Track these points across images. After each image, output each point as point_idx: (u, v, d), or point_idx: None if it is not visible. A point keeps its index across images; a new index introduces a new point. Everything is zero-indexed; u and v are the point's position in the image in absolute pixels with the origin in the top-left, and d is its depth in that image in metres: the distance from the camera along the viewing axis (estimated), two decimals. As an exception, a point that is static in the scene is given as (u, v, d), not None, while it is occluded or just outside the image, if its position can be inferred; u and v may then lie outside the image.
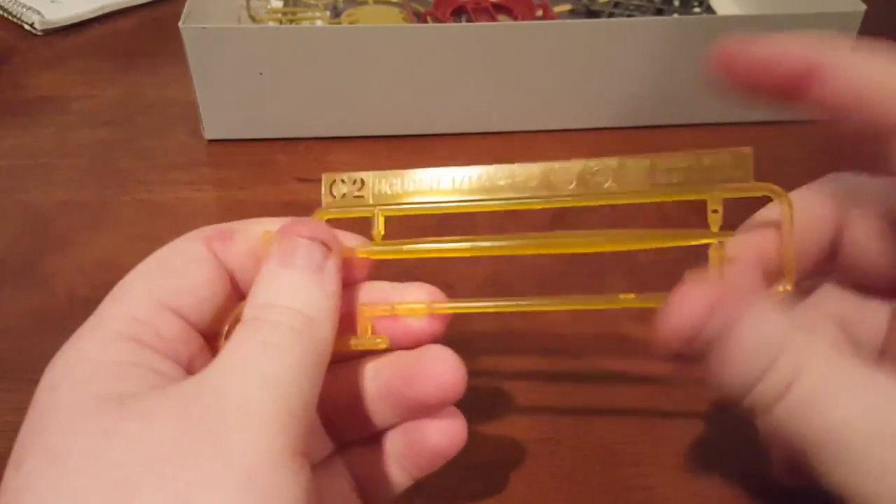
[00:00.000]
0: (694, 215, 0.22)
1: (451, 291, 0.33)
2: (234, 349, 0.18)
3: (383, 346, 0.22)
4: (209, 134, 0.42)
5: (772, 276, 0.22)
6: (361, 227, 0.22)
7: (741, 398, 0.20)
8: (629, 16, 0.50)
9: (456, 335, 0.31)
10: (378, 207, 0.22)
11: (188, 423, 0.17)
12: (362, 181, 0.22)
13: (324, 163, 0.41)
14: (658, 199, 0.21)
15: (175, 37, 0.38)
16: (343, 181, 0.22)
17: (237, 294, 0.22)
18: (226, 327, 0.22)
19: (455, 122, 0.43)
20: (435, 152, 0.42)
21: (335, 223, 0.22)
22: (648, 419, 0.29)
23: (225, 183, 0.40)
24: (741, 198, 0.21)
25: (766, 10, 0.49)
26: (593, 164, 0.22)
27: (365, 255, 0.22)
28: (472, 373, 0.30)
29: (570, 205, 0.22)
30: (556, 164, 0.22)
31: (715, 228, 0.21)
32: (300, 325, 0.19)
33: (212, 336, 0.21)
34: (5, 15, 0.53)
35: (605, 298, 0.22)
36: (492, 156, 0.42)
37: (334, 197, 0.22)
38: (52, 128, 0.43)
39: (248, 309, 0.19)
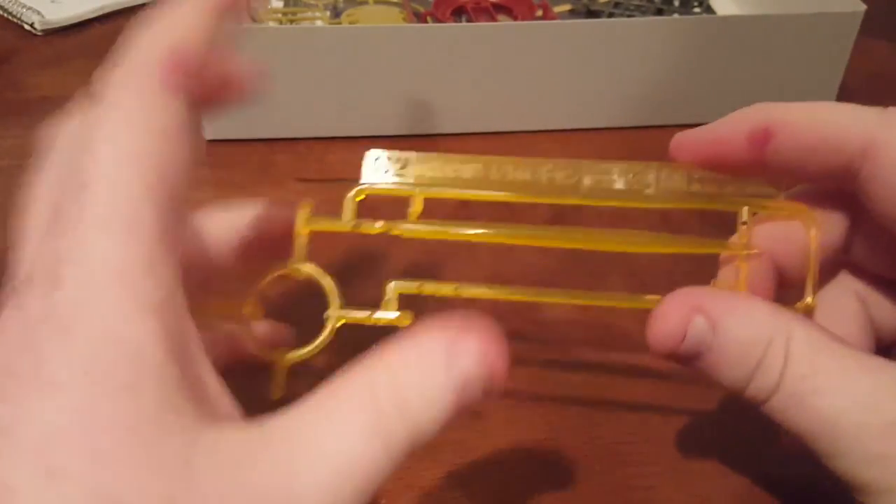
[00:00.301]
0: (694, 219, 0.22)
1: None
2: (333, 435, 0.16)
3: (409, 323, 0.22)
4: (209, 134, 0.42)
5: (786, 280, 0.22)
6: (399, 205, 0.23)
7: (742, 395, 0.20)
8: (629, 16, 0.49)
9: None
10: (419, 188, 0.22)
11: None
12: (406, 160, 0.23)
13: (324, 163, 0.40)
14: (692, 207, 0.22)
15: (175, 37, 0.38)
16: (389, 158, 0.23)
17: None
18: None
19: (455, 122, 0.43)
20: (435, 151, 0.42)
21: (373, 197, 0.22)
22: (649, 419, 0.29)
23: (225, 183, 0.40)
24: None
25: (766, 10, 0.49)
26: (636, 167, 0.22)
27: (401, 234, 0.22)
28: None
29: (616, 204, 0.22)
30: (600, 164, 0.22)
31: (745, 240, 0.22)
32: (401, 447, 0.16)
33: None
34: (5, 15, 0.53)
35: (631, 298, 0.22)
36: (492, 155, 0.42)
37: (376, 171, 0.23)
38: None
39: (378, 384, 0.16)
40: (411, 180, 0.23)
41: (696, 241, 0.22)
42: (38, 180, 0.18)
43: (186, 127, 0.17)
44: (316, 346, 0.22)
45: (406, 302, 0.22)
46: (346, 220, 0.22)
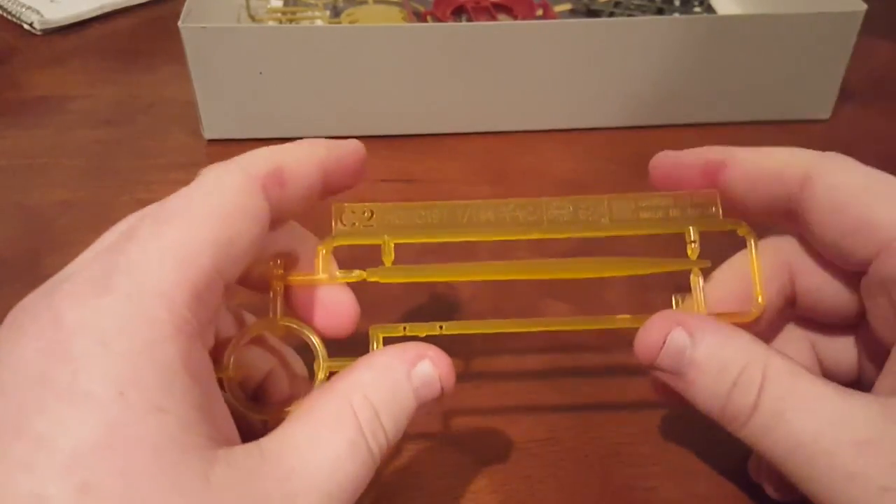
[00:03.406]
0: (677, 240, 0.24)
1: (453, 290, 0.33)
2: (320, 444, 0.18)
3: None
4: (209, 133, 0.42)
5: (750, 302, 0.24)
6: (373, 254, 0.23)
7: (718, 419, 0.21)
8: (630, 15, 0.49)
9: (456, 335, 0.31)
10: (387, 236, 0.23)
11: None
12: (371, 212, 0.23)
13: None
14: (643, 233, 0.24)
15: (174, 36, 0.38)
16: (353, 211, 0.23)
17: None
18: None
19: (455, 122, 0.43)
20: (435, 152, 0.42)
21: (344, 249, 0.23)
22: (649, 419, 0.28)
23: (225, 183, 0.40)
24: (713, 231, 0.24)
25: (766, 9, 0.49)
26: (587, 200, 0.24)
27: (377, 279, 0.23)
28: (473, 373, 0.30)
29: (568, 236, 0.24)
30: (553, 200, 0.24)
31: (694, 257, 0.24)
32: (376, 445, 0.19)
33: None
34: (5, 15, 0.53)
35: (603, 319, 0.24)
36: (492, 155, 0.42)
37: (345, 225, 0.23)
38: (51, 128, 0.43)
39: (350, 391, 0.19)
40: (380, 230, 0.23)
41: (655, 261, 0.24)
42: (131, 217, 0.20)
43: (260, 221, 0.19)
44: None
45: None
46: (322, 273, 0.23)
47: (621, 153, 0.42)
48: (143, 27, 0.53)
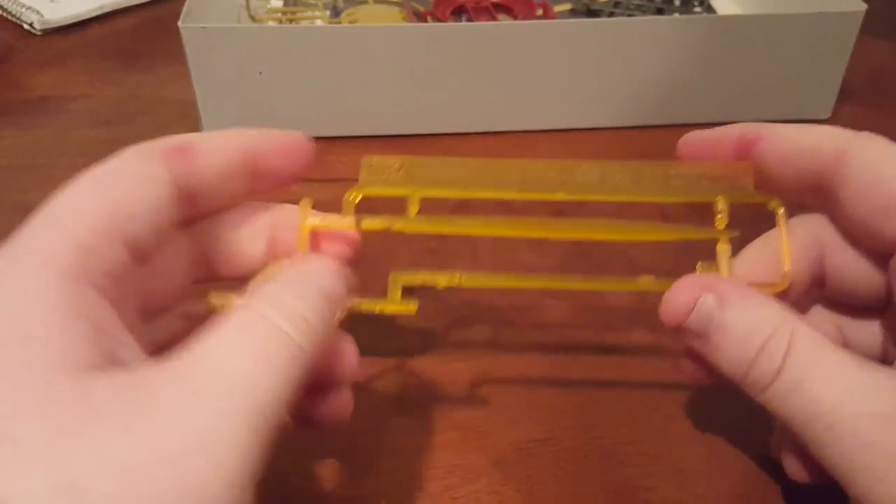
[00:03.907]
0: (695, 216, 0.24)
1: (450, 290, 0.33)
2: (220, 342, 0.17)
3: (413, 310, 0.23)
4: (209, 134, 0.42)
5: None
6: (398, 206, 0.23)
7: (739, 382, 0.21)
8: (629, 15, 0.49)
9: (458, 335, 0.31)
10: (414, 188, 0.23)
11: (152, 433, 0.15)
12: (401, 164, 0.23)
13: (324, 163, 0.40)
14: (672, 200, 0.24)
15: (175, 36, 0.38)
16: (382, 163, 0.23)
17: (191, 214, 0.21)
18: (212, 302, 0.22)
19: (455, 122, 0.43)
20: (435, 152, 0.42)
21: (370, 200, 0.23)
22: (649, 419, 0.29)
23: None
24: (742, 204, 0.23)
25: (766, 9, 0.49)
26: (616, 165, 0.23)
27: (401, 229, 0.23)
28: (473, 372, 0.30)
29: (595, 199, 0.23)
30: (583, 163, 0.24)
31: (721, 227, 0.23)
32: (303, 337, 0.18)
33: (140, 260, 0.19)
34: (4, 14, 0.53)
35: (623, 281, 0.24)
36: (492, 155, 0.42)
37: (372, 177, 0.23)
38: (51, 127, 0.43)
39: (254, 299, 0.19)
40: (407, 182, 0.23)
41: (681, 229, 0.24)
42: None
43: (155, 184, 0.20)
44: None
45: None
46: (348, 218, 0.23)
47: (621, 153, 0.42)
48: (143, 27, 0.53)
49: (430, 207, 0.23)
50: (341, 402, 0.22)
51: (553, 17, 0.49)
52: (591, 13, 0.50)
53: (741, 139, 0.24)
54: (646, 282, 0.24)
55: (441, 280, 0.23)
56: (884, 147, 0.22)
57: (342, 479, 0.26)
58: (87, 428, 0.15)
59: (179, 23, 0.38)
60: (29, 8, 0.52)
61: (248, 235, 0.23)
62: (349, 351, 0.22)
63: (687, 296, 0.22)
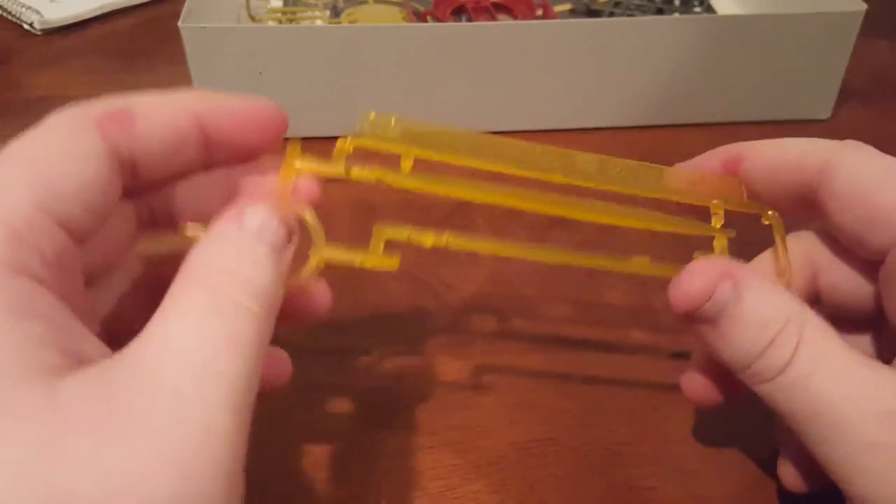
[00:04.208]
0: (692, 215, 0.23)
1: (450, 291, 0.33)
2: (185, 329, 0.16)
3: (395, 266, 0.21)
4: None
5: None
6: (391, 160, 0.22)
7: (741, 370, 0.21)
8: (629, 15, 0.49)
9: (458, 335, 0.31)
10: (411, 146, 0.22)
11: (141, 443, 0.14)
12: (402, 124, 0.22)
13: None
14: (668, 198, 0.23)
15: (175, 36, 0.38)
16: (379, 119, 0.23)
17: (135, 184, 0.19)
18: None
19: (454, 122, 0.42)
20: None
21: (363, 152, 0.22)
22: (649, 419, 0.28)
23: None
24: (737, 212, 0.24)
25: (766, 9, 0.49)
26: (615, 160, 0.24)
27: (391, 183, 0.22)
28: (473, 372, 0.30)
29: (592, 185, 0.23)
30: (583, 153, 0.23)
31: (719, 225, 0.23)
32: (261, 308, 0.17)
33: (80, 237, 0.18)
34: (5, 14, 0.53)
35: (616, 260, 0.23)
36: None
37: (369, 129, 0.22)
38: (51, 127, 0.43)
39: (197, 271, 0.17)
40: (402, 139, 0.22)
41: (679, 221, 0.24)
42: None
43: (91, 159, 0.18)
44: (300, 277, 0.21)
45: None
46: (337, 164, 0.22)
47: (621, 153, 0.41)
48: (143, 27, 0.53)
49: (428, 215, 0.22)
50: (319, 300, 0.22)
51: (553, 17, 0.49)
52: (591, 13, 0.50)
53: (725, 162, 0.24)
54: (639, 262, 0.23)
55: (427, 239, 0.22)
56: (867, 156, 0.22)
57: (342, 479, 0.26)
58: (69, 441, 0.14)
59: (179, 23, 0.38)
60: (29, 8, 0.52)
61: (202, 204, 0.21)
62: (321, 293, 0.21)
63: (704, 282, 0.21)
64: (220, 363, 0.16)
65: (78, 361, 0.15)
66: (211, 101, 0.20)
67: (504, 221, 0.36)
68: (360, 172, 0.22)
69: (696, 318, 0.21)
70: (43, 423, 0.14)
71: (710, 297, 0.21)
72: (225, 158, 0.21)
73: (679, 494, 0.26)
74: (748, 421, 0.28)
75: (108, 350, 0.17)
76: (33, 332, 0.15)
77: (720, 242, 0.23)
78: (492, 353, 0.31)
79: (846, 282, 0.23)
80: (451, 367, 0.30)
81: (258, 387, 0.17)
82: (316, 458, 0.27)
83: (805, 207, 0.23)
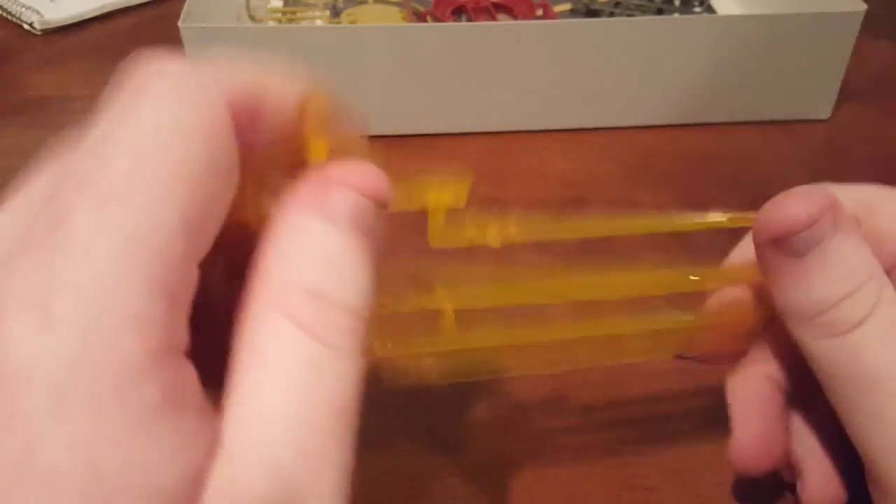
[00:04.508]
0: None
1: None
2: (283, 405, 0.13)
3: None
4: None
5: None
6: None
7: (807, 319, 0.19)
8: (629, 15, 0.49)
9: (458, 335, 0.31)
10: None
11: None
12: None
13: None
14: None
15: (175, 36, 0.38)
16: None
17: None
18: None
19: (455, 122, 0.42)
20: (435, 152, 0.42)
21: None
22: (649, 419, 0.28)
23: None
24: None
25: (766, 9, 0.49)
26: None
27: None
28: (472, 372, 0.30)
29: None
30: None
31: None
32: (360, 345, 0.14)
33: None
34: (4, 14, 0.53)
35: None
36: (491, 156, 0.42)
37: None
38: (52, 128, 0.43)
39: (281, 291, 0.14)
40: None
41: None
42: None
43: (232, 177, 0.14)
44: None
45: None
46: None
47: (621, 153, 0.42)
48: (143, 27, 0.53)
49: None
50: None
51: (553, 17, 0.49)
52: (591, 13, 0.50)
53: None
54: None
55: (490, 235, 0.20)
56: None
57: (342, 479, 0.26)
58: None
59: (179, 23, 0.38)
60: (29, 8, 0.52)
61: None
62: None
63: (810, 209, 0.19)
64: (328, 450, 0.14)
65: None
66: (322, 99, 0.17)
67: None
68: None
69: (784, 248, 0.19)
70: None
71: (811, 226, 0.19)
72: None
73: (679, 494, 0.26)
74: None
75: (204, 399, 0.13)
76: (183, 431, 0.12)
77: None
78: (491, 352, 0.31)
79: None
80: (450, 367, 0.30)
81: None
82: (316, 458, 0.27)
83: None
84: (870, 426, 0.19)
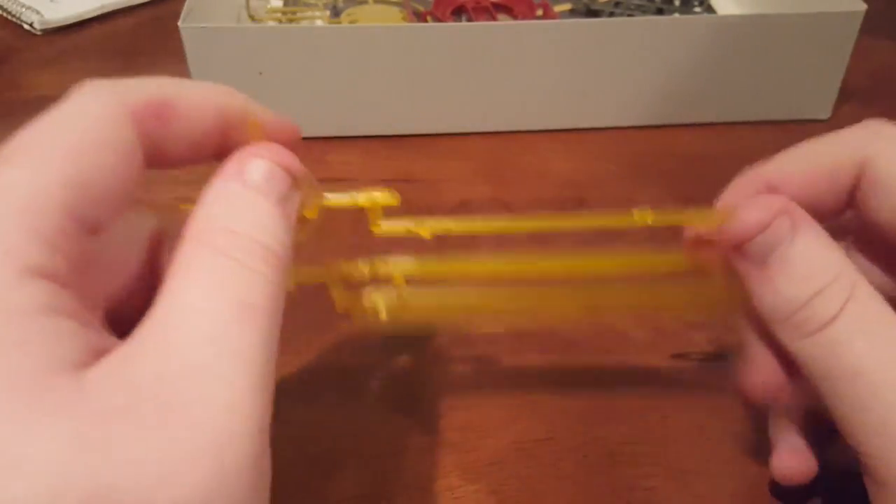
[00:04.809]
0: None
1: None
2: (197, 300, 0.15)
3: (396, 202, 0.21)
4: (209, 134, 0.42)
5: None
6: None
7: (781, 321, 0.20)
8: (630, 15, 0.49)
9: (457, 335, 0.31)
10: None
11: (172, 430, 0.14)
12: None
13: (324, 163, 0.40)
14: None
15: (175, 36, 0.38)
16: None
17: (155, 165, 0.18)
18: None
19: (455, 122, 0.43)
20: (435, 152, 0.42)
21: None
22: (649, 419, 0.28)
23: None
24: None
25: (766, 9, 0.49)
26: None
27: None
28: (473, 372, 0.30)
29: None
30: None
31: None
32: (273, 271, 0.16)
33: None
34: (5, 14, 0.53)
35: (620, 217, 0.23)
36: (491, 155, 0.42)
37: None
38: (51, 127, 0.43)
39: (204, 232, 0.17)
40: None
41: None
42: None
43: (126, 158, 0.17)
44: (302, 232, 0.20)
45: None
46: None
47: (621, 153, 0.42)
48: (143, 27, 0.53)
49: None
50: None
51: (553, 17, 0.49)
52: (591, 13, 0.50)
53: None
54: (641, 215, 0.22)
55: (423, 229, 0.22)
56: None
57: (342, 479, 0.26)
58: (104, 432, 0.14)
59: (179, 23, 0.38)
60: (29, 8, 0.52)
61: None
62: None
63: (762, 213, 0.20)
64: (233, 338, 0.15)
65: (99, 355, 0.15)
66: (239, 104, 0.20)
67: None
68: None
69: (745, 254, 0.20)
70: (76, 415, 0.14)
71: (764, 230, 0.20)
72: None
73: (679, 494, 0.26)
74: (748, 421, 0.28)
75: (110, 337, 0.16)
76: (59, 330, 0.15)
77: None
78: (492, 352, 0.31)
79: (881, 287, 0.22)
80: (450, 367, 0.30)
81: (276, 356, 0.16)
82: (315, 459, 0.27)
83: (840, 211, 0.22)
84: (856, 418, 0.19)
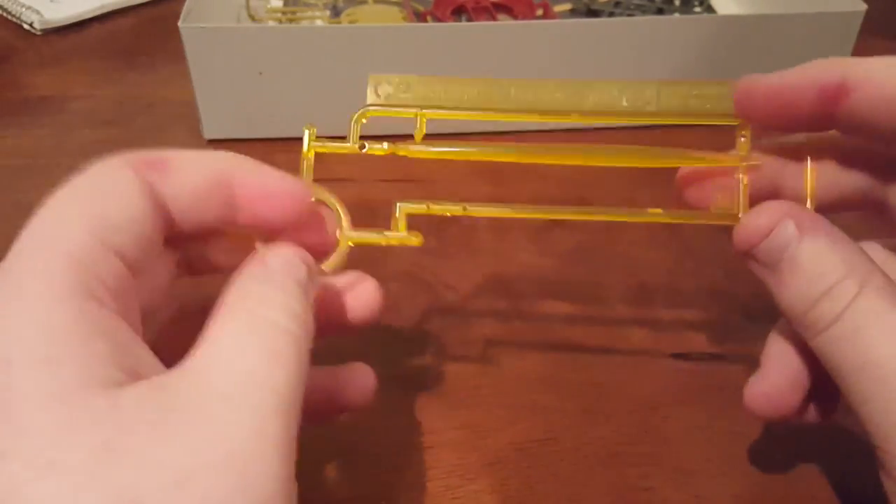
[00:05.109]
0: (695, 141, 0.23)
1: (451, 291, 0.33)
2: (230, 345, 0.17)
3: (417, 243, 0.23)
4: (208, 134, 0.42)
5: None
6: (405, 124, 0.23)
7: (797, 321, 0.20)
8: (630, 15, 0.49)
9: (458, 335, 0.31)
10: (421, 109, 0.23)
11: (197, 441, 0.15)
12: (408, 84, 0.23)
13: (324, 163, 0.40)
14: (692, 122, 0.23)
15: (174, 36, 0.38)
16: (389, 83, 0.23)
17: (170, 232, 0.20)
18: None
19: (455, 121, 0.42)
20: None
21: (377, 120, 0.23)
22: (649, 419, 0.28)
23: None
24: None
25: (766, 9, 0.49)
26: (636, 85, 0.23)
27: (405, 154, 0.23)
28: (473, 373, 0.30)
29: (621, 121, 0.23)
30: (601, 83, 0.23)
31: (744, 152, 0.23)
32: (299, 328, 0.18)
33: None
34: (4, 14, 0.53)
35: (632, 213, 0.23)
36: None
37: (379, 96, 0.23)
38: (51, 128, 0.43)
39: (239, 298, 0.19)
40: (414, 102, 0.23)
41: (692, 154, 0.23)
42: None
43: (134, 195, 0.19)
44: (329, 265, 0.22)
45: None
46: (352, 142, 0.23)
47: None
48: (143, 27, 0.53)
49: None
50: (363, 381, 0.23)
51: (553, 17, 0.49)
52: (591, 13, 0.50)
53: (823, 90, 0.22)
54: (655, 212, 0.23)
55: (447, 210, 0.23)
56: None
57: (343, 480, 0.26)
58: (132, 443, 0.15)
59: (179, 23, 0.38)
60: (29, 8, 0.52)
61: (235, 256, 0.22)
62: (362, 292, 0.23)
63: (768, 219, 0.21)
64: (263, 373, 0.17)
65: (137, 377, 0.17)
66: (243, 166, 0.21)
67: (505, 222, 0.36)
68: (374, 149, 0.23)
69: (756, 258, 0.21)
70: (105, 426, 0.15)
71: (769, 234, 0.20)
72: (248, 221, 0.22)
73: (679, 495, 0.26)
74: (748, 421, 0.28)
75: (163, 368, 0.18)
76: (98, 350, 0.16)
77: (743, 180, 0.22)
78: (492, 352, 0.31)
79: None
80: (450, 367, 0.30)
81: (302, 400, 0.17)
82: (316, 459, 0.27)
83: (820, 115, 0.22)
84: (867, 412, 0.19)
